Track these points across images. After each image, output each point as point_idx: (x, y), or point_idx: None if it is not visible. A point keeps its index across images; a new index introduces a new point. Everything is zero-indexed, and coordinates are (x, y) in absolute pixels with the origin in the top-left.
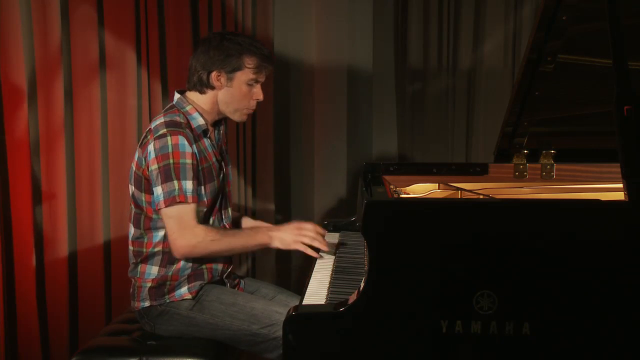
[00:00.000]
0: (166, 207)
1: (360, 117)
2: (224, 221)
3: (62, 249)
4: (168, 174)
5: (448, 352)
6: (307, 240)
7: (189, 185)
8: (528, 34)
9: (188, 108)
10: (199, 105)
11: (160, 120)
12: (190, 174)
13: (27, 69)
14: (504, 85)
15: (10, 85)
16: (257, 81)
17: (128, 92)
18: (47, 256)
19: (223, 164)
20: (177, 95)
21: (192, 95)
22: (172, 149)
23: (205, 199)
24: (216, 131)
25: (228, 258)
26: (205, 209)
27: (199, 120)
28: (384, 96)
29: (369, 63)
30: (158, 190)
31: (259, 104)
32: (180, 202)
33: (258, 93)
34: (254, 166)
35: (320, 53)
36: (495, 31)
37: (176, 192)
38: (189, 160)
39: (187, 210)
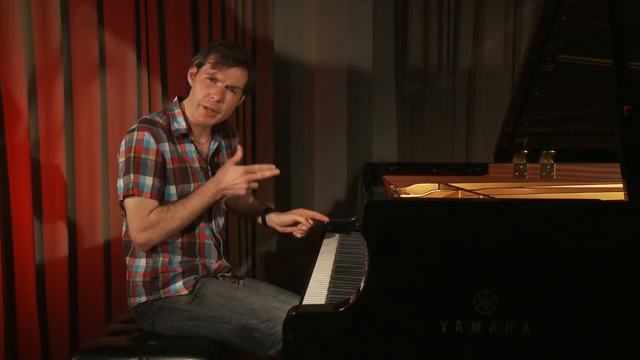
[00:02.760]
0: (123, 199)
1: (360, 117)
2: (214, 231)
3: (62, 249)
4: (128, 167)
5: (448, 352)
6: (257, 177)
7: (147, 180)
8: (528, 34)
9: (176, 111)
10: (186, 110)
11: (141, 118)
12: (151, 170)
13: (27, 69)
14: (504, 85)
15: (10, 86)
16: (215, 78)
17: (128, 92)
18: (47, 256)
19: (211, 173)
20: (174, 99)
21: (186, 100)
22: (136, 143)
23: (174, 199)
24: (213, 141)
25: (225, 263)
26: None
27: (180, 125)
28: (384, 96)
29: (369, 63)
30: (119, 182)
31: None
32: (133, 195)
33: (214, 91)
34: None
35: (320, 53)
36: (495, 31)
37: (131, 185)
38: (151, 157)
39: (144, 201)
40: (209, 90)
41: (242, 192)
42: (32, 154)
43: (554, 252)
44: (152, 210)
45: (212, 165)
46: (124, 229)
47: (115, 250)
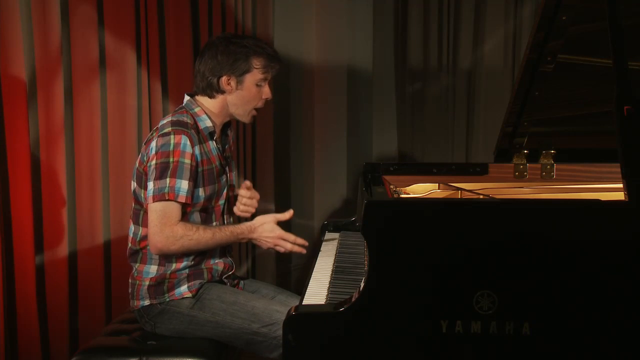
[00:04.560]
0: (154, 202)
1: (360, 117)
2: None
3: (62, 249)
4: (164, 171)
5: (448, 352)
6: (286, 247)
7: (183, 184)
8: (528, 34)
9: (197, 110)
10: (207, 108)
11: (167, 119)
12: (187, 174)
13: (27, 69)
14: (504, 85)
15: (10, 85)
16: (265, 80)
17: (128, 92)
18: (47, 256)
19: (227, 169)
20: (186, 98)
21: (201, 98)
22: (174, 147)
23: (201, 201)
24: (223, 135)
25: (229, 260)
26: (199, 210)
27: (206, 122)
28: (384, 96)
29: (369, 63)
30: (150, 185)
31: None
32: (168, 200)
33: (267, 92)
34: (254, 166)
35: (320, 53)
36: (495, 31)
37: (166, 190)
38: (187, 161)
39: (173, 208)
40: (263, 93)
41: (264, 247)
42: (32, 154)
43: (554, 252)
44: (179, 220)
45: (227, 160)
46: (130, 235)
47: (115, 250)
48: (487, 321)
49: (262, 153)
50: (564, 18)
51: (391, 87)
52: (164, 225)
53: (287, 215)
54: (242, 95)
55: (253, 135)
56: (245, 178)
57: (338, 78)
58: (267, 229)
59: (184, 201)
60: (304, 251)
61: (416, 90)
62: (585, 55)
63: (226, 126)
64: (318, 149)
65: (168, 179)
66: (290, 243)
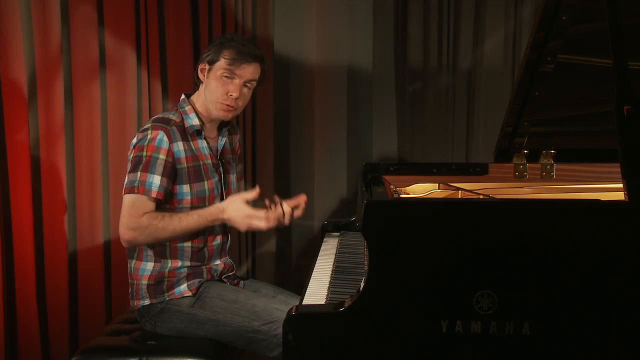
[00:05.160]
0: (125, 194)
1: (360, 117)
2: (227, 227)
3: (62, 249)
4: (137, 164)
5: (448, 352)
6: (260, 227)
7: (155, 179)
8: (528, 34)
9: (187, 108)
10: (197, 106)
11: (154, 117)
12: (159, 169)
13: (27, 69)
14: (504, 85)
15: (10, 85)
16: (233, 74)
17: (128, 92)
18: (47, 256)
19: (222, 169)
20: (182, 97)
21: (194, 96)
22: (149, 142)
23: (189, 198)
24: (221, 137)
25: (229, 261)
26: (191, 208)
27: (193, 121)
28: (384, 96)
29: (369, 63)
30: (126, 178)
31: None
32: (137, 193)
33: (233, 89)
34: (254, 166)
35: (320, 53)
36: (495, 31)
37: (136, 183)
38: (162, 156)
39: (142, 201)
40: (228, 88)
41: (242, 230)
42: (32, 154)
43: (554, 252)
44: (146, 212)
45: (222, 161)
46: None
47: (115, 250)
48: (487, 321)
49: (262, 153)
50: (564, 18)
51: (391, 87)
52: (131, 217)
53: (254, 193)
54: (209, 85)
55: (253, 135)
56: (245, 178)
57: (338, 78)
58: (234, 209)
59: (155, 196)
60: (286, 223)
61: (416, 90)
62: (585, 55)
63: (223, 126)
64: (318, 149)
65: (139, 173)
66: (263, 221)
